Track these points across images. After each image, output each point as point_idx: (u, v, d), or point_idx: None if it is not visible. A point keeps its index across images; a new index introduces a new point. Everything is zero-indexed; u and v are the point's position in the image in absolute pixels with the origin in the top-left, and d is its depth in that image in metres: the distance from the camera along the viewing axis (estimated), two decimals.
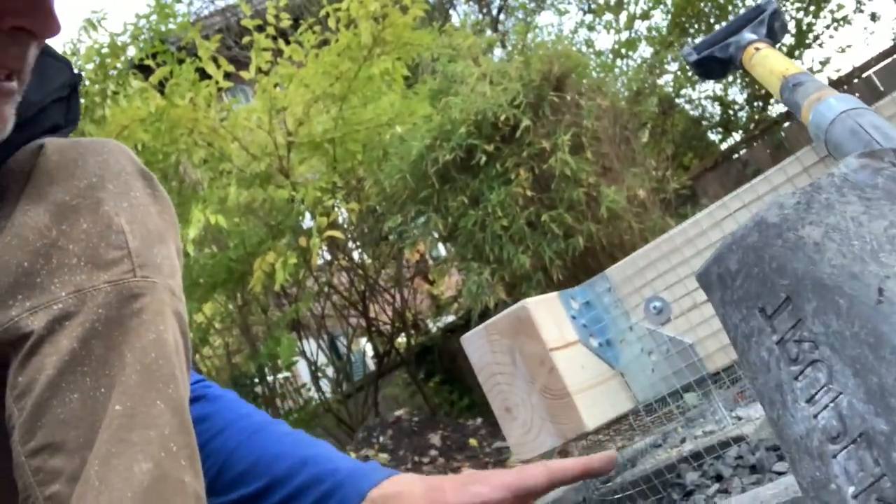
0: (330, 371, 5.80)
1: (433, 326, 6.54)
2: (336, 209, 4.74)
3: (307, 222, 4.85)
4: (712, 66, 1.02)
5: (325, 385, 5.91)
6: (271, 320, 5.20)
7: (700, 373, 0.82)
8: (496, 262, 3.71)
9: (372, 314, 5.92)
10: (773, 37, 0.96)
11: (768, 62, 0.86)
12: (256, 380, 4.85)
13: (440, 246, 4.91)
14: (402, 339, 6.04)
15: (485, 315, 4.02)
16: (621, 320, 0.87)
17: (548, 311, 0.82)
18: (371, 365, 6.08)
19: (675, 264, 0.82)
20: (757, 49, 0.91)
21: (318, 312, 5.62)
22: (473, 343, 0.85)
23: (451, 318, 6.45)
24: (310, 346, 5.72)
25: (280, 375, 5.45)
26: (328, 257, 5.58)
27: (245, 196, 4.50)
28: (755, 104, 6.11)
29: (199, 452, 0.87)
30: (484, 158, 3.65)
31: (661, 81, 5.97)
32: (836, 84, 5.20)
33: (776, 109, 5.68)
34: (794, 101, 0.77)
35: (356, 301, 5.33)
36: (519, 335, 0.81)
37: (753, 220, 0.45)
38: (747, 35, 0.95)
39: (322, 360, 5.79)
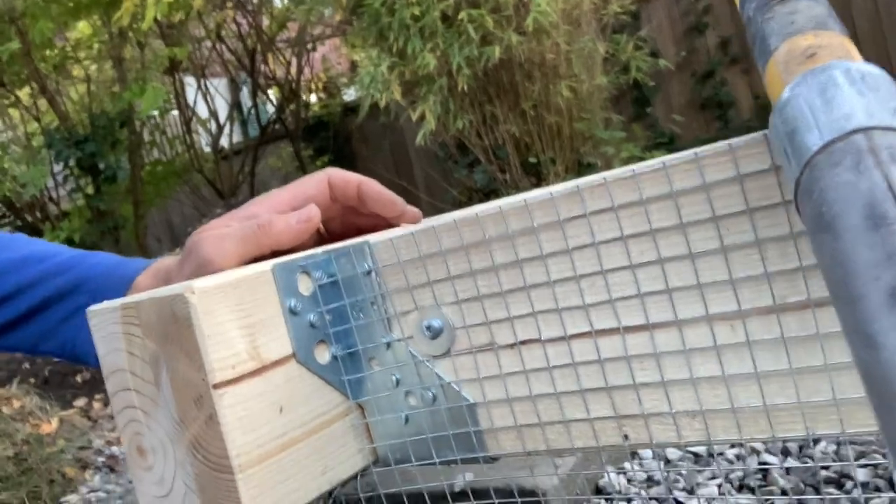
0: (213, 126, 5.29)
1: (346, 93, 6.03)
2: None
3: None
4: None
5: (205, 140, 5.45)
6: (147, 57, 4.58)
7: (473, 451, 0.49)
8: (398, 56, 3.23)
9: (269, 74, 5.38)
10: None
11: None
12: (119, 124, 4.33)
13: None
14: (312, 105, 5.56)
15: (376, 109, 3.58)
16: (378, 328, 0.51)
17: (235, 305, 0.46)
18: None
19: (478, 269, 0.46)
20: None
21: (204, 57, 5.02)
22: (102, 326, 0.48)
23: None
24: (213, 87, 5.15)
25: (152, 120, 4.93)
26: None
27: None
28: None
29: None
30: None
31: None
32: None
33: None
34: (760, 32, 0.38)
35: (242, 56, 4.75)
36: (170, 343, 0.45)
37: None
38: None
39: (203, 111, 5.27)
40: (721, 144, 0.38)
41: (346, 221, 0.63)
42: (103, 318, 0.48)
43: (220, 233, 0.57)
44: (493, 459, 0.49)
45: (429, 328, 0.49)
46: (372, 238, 0.51)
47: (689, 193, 0.39)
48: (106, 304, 0.47)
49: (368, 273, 0.51)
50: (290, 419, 0.48)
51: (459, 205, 4.13)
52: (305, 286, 0.50)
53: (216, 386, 0.44)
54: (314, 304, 0.50)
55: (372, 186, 0.60)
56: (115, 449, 1.98)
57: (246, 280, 0.47)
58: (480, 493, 0.67)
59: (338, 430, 0.51)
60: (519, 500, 0.58)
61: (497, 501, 0.55)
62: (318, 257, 0.51)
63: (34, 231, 4.44)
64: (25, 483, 1.61)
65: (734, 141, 0.38)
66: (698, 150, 0.39)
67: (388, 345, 0.51)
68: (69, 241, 4.26)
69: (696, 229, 0.39)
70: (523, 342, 0.46)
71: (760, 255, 0.38)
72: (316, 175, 0.61)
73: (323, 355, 0.51)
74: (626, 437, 0.43)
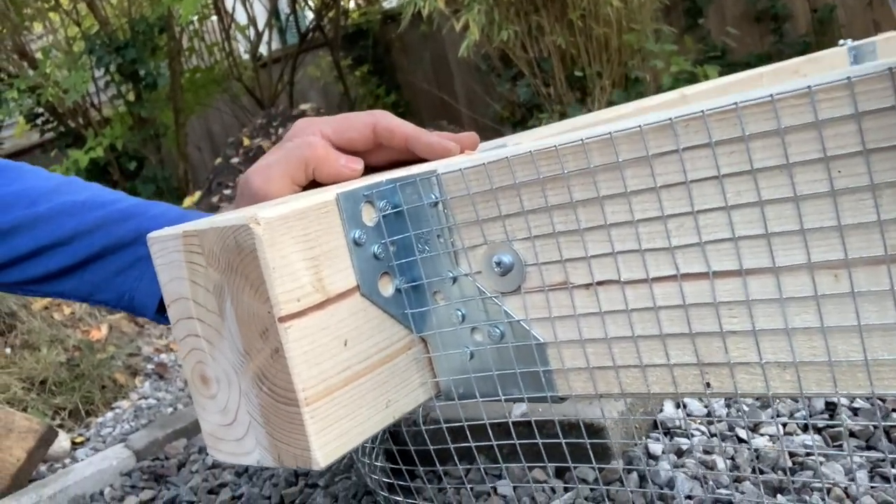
0: (251, 33, 5.21)
1: (384, 3, 5.87)
2: None
3: None
4: None
5: (244, 47, 5.38)
6: None
7: (541, 390, 0.48)
8: None
9: None
10: None
11: None
12: (159, 30, 4.27)
13: None
14: (352, 12, 5.43)
15: (417, 18, 3.48)
16: (444, 261, 0.49)
17: (300, 236, 0.44)
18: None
19: (555, 205, 0.44)
20: None
21: None
22: (164, 253, 0.47)
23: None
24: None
25: (191, 27, 4.86)
26: None
27: None
28: None
29: None
30: None
31: None
32: None
33: None
34: None
35: None
36: (235, 273, 0.44)
37: None
38: None
39: (242, 17, 5.18)
40: (838, 77, 0.35)
41: (391, 157, 0.60)
42: (165, 244, 0.46)
43: (265, 162, 0.55)
44: (562, 399, 0.47)
45: (498, 264, 0.47)
46: (440, 168, 0.49)
47: (798, 131, 0.35)
48: (167, 230, 0.46)
49: (435, 204, 0.49)
50: (354, 353, 0.47)
51: (501, 120, 4.04)
52: (369, 216, 0.48)
53: (282, 319, 0.43)
54: (378, 235, 0.48)
55: (421, 140, 0.57)
56: (163, 357, 2.03)
57: (311, 210, 0.45)
58: (539, 425, 0.66)
59: (401, 363, 0.50)
60: (587, 438, 0.57)
61: (558, 433, 0.54)
62: (383, 186, 0.49)
63: (77, 137, 4.46)
64: (78, 388, 1.67)
65: (853, 73, 0.34)
66: (811, 82, 0.35)
67: (455, 279, 0.49)
68: (111, 148, 4.28)
69: (803, 170, 0.36)
70: (600, 283, 0.43)
71: (874, 201, 0.34)
72: (361, 118, 0.58)
73: (387, 288, 0.49)
74: (707, 385, 0.41)
